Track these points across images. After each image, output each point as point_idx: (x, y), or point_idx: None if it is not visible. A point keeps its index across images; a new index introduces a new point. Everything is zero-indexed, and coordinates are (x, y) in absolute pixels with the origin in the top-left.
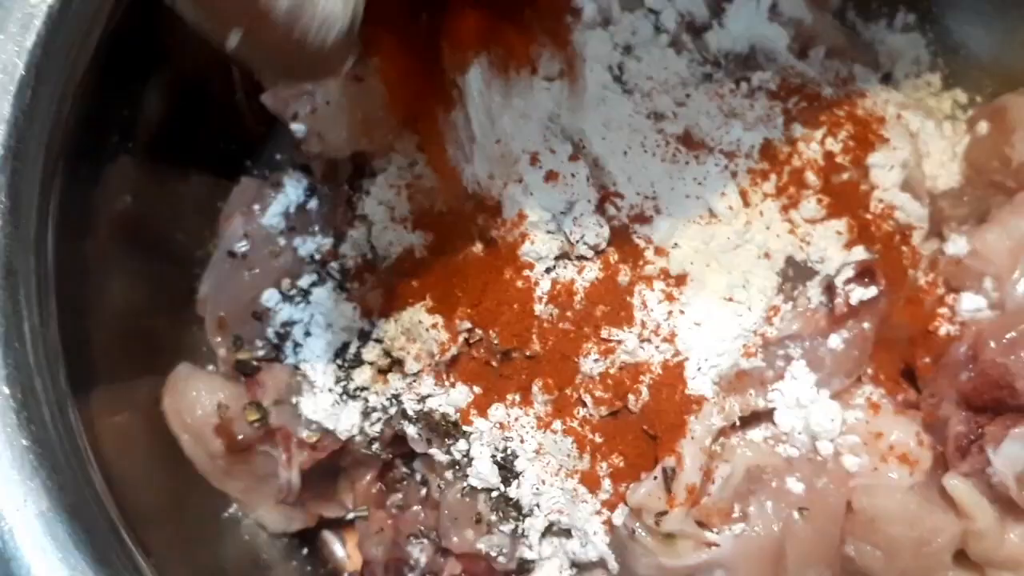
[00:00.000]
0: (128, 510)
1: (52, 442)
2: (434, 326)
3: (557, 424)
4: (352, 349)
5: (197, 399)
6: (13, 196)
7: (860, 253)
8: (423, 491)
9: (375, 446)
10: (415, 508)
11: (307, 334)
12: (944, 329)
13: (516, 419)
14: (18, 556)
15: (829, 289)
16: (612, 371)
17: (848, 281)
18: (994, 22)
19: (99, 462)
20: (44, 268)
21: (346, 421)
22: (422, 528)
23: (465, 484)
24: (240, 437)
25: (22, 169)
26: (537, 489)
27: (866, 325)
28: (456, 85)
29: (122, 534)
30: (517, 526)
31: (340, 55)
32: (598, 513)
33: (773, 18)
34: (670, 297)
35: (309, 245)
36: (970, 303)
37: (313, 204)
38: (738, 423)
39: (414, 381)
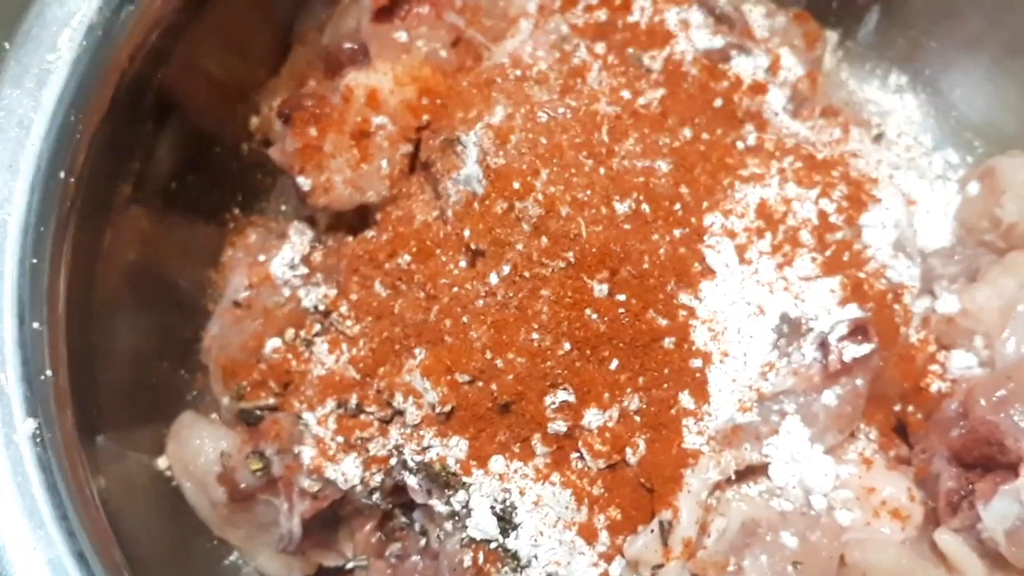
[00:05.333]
0: (132, 556)
1: (61, 489)
2: (435, 378)
3: (556, 476)
4: (354, 400)
5: (200, 448)
6: (28, 248)
7: (853, 311)
8: (422, 541)
9: (375, 496)
10: (414, 558)
11: (310, 384)
12: (935, 386)
13: (516, 471)
14: None
15: (823, 346)
16: (611, 424)
17: (842, 338)
18: (984, 85)
19: (105, 508)
20: (56, 317)
21: (347, 471)
22: None
23: (464, 535)
24: (242, 486)
25: (38, 222)
26: (535, 540)
27: (859, 381)
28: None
29: None
30: None
31: None
32: (595, 565)
33: (770, 79)
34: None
35: (313, 296)
36: (961, 361)
37: (318, 255)
38: (733, 477)
39: (415, 432)
